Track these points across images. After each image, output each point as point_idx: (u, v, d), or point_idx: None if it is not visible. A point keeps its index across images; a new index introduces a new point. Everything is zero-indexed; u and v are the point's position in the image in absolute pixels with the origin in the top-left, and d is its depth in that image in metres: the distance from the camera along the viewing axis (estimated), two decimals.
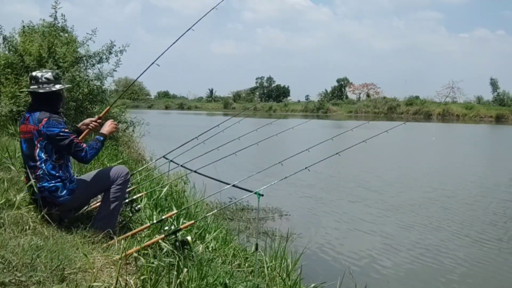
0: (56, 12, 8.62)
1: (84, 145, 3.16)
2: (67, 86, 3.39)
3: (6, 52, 8.38)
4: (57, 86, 3.19)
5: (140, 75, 4.04)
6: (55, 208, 3.12)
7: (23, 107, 7.72)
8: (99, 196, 3.54)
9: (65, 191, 3.14)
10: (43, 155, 3.08)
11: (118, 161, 6.15)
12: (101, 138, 3.30)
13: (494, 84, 60.76)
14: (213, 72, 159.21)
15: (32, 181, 3.06)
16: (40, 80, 3.14)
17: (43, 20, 8.79)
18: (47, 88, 3.15)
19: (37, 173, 3.10)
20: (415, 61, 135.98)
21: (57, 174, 3.13)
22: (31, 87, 3.16)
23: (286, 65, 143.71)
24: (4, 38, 8.32)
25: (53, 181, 3.12)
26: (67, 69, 7.82)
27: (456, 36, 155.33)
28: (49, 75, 3.18)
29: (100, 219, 3.27)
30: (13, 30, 8.62)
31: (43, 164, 3.09)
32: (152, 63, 3.68)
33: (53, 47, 8.03)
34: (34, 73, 3.18)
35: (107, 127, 3.38)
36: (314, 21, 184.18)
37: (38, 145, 3.08)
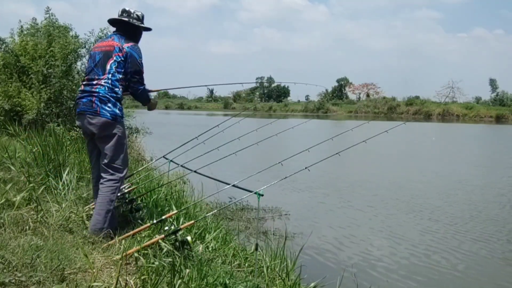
0: (50, 16, 8.64)
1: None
2: (148, 28, 3.67)
3: (3, 53, 8.40)
4: (142, 25, 3.57)
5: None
6: (91, 125, 3.27)
7: (19, 107, 7.76)
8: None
9: (111, 109, 3.27)
10: (114, 68, 3.32)
11: None
12: (148, 98, 3.64)
13: (493, 84, 60.76)
14: (213, 72, 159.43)
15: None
16: (132, 15, 3.51)
17: (34, 19, 8.78)
18: (137, 23, 3.52)
19: (101, 82, 3.30)
20: (413, 61, 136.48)
21: (116, 89, 3.32)
22: (123, 19, 3.48)
23: (285, 66, 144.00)
24: (0, 40, 8.35)
25: (109, 93, 3.29)
26: (57, 66, 7.78)
27: (454, 36, 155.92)
28: (140, 13, 3.56)
29: (95, 221, 3.26)
30: (12, 31, 8.64)
31: (110, 75, 3.31)
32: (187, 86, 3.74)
33: (51, 46, 8.04)
34: (127, 8, 3.52)
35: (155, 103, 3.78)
36: (311, 21, 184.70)
37: (115, 58, 3.33)
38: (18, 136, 6.53)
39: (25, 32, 8.56)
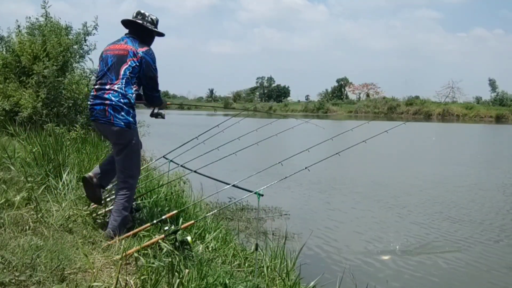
0: (46, 12, 8.61)
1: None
2: (162, 33, 3.61)
3: (4, 52, 8.39)
4: (155, 30, 3.52)
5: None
6: (106, 131, 3.30)
7: (17, 107, 7.77)
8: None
9: (124, 117, 3.23)
10: (128, 73, 3.24)
11: None
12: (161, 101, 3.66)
13: (492, 84, 60.83)
14: (213, 72, 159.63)
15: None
16: (146, 18, 3.45)
17: (30, 18, 8.78)
18: (150, 27, 3.45)
19: (114, 87, 3.22)
20: (413, 61, 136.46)
21: (129, 95, 3.25)
22: (138, 21, 3.42)
23: (285, 66, 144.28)
24: (1, 39, 8.34)
25: (122, 99, 3.22)
26: (51, 65, 7.76)
27: (454, 36, 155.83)
28: (154, 17, 3.51)
29: (112, 227, 3.33)
30: (9, 30, 8.63)
31: (124, 80, 3.23)
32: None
33: (47, 44, 8.02)
34: (142, 11, 3.47)
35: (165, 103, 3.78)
36: (311, 21, 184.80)
37: (129, 63, 3.25)
38: (18, 136, 6.53)
39: (23, 32, 8.56)
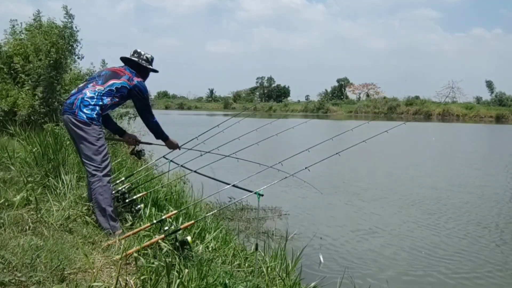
0: (40, 17, 8.56)
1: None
2: (156, 70, 3.90)
3: None
4: (149, 67, 3.82)
5: None
6: (71, 124, 3.40)
7: (15, 107, 7.78)
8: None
9: (88, 113, 3.39)
10: (114, 88, 3.49)
11: (117, 160, 6.15)
12: (165, 136, 3.94)
13: (490, 85, 61.04)
14: (212, 72, 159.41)
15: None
16: (142, 57, 3.77)
17: (16, 20, 8.74)
18: (145, 64, 3.76)
19: (96, 87, 3.46)
20: (412, 61, 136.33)
21: (102, 101, 3.44)
22: (133, 58, 3.74)
23: (285, 66, 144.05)
24: None
25: (95, 97, 3.42)
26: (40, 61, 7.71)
27: (453, 36, 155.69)
28: (149, 56, 3.83)
29: (101, 222, 3.38)
30: (5, 32, 8.62)
31: (107, 89, 3.46)
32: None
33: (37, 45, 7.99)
34: (138, 50, 3.79)
35: (173, 143, 4.05)
36: (310, 20, 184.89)
37: (121, 82, 3.52)
38: (18, 136, 6.52)
39: (18, 32, 8.56)
